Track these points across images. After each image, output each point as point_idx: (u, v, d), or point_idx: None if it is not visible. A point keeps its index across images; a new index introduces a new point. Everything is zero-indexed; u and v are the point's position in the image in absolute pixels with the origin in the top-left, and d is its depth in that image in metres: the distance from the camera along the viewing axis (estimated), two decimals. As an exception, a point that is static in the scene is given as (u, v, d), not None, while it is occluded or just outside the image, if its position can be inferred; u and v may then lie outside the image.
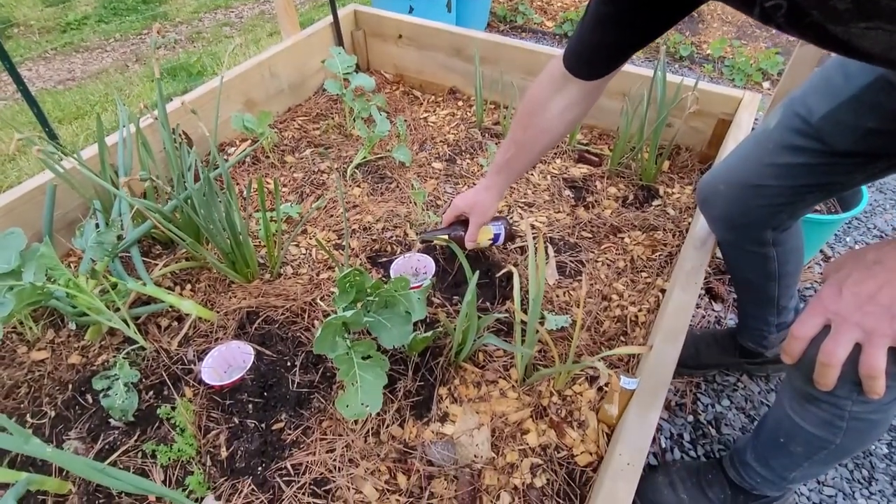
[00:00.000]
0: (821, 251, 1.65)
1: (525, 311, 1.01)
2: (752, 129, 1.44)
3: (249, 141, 1.66)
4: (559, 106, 0.95)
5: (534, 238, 1.10)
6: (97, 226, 1.13)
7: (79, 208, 1.29)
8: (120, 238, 1.12)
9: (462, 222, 1.21)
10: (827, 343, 0.61)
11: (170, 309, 1.17)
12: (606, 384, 1.01)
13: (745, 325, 1.20)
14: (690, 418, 1.23)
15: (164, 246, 1.33)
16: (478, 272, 0.97)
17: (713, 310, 1.48)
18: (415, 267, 1.26)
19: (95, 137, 1.18)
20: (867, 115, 0.75)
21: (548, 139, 1.01)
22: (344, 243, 1.26)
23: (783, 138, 0.85)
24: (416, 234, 1.33)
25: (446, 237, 1.18)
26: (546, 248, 1.32)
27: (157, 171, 1.24)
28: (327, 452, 0.94)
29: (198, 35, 3.16)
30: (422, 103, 1.93)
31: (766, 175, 0.89)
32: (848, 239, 1.71)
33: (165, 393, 1.03)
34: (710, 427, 1.22)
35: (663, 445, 1.18)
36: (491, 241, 1.24)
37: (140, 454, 0.93)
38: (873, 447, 1.19)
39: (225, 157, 1.62)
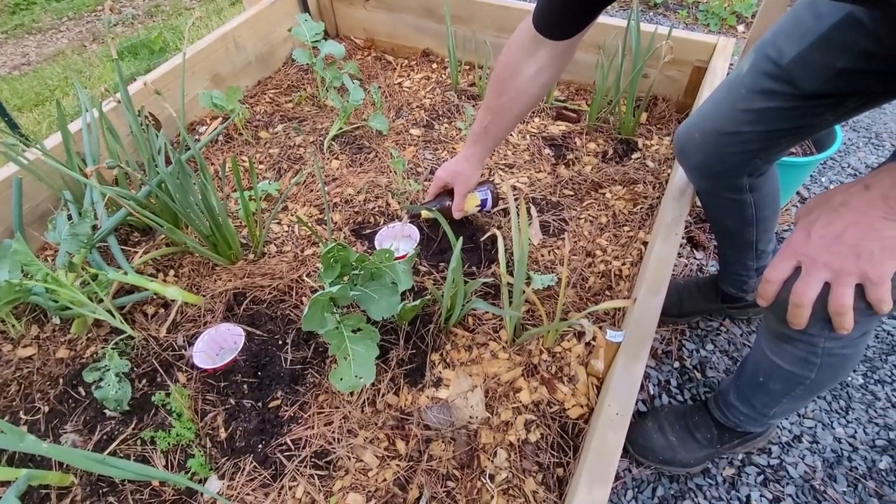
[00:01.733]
0: (797, 193, 1.67)
1: (511, 274, 1.02)
2: (728, 74, 1.43)
3: (220, 119, 1.61)
4: (531, 70, 0.94)
5: (515, 200, 1.10)
6: (70, 217, 1.10)
7: (49, 199, 1.26)
8: (95, 228, 1.10)
9: (447, 193, 1.20)
10: (798, 284, 0.63)
11: (155, 296, 1.16)
12: (594, 338, 1.03)
13: (725, 270, 1.23)
14: (676, 364, 1.27)
15: (143, 232, 1.31)
16: (462, 238, 0.97)
17: (695, 258, 1.51)
18: (400, 236, 1.26)
19: (58, 125, 1.14)
20: (837, 54, 0.75)
21: (523, 104, 1.00)
22: (326, 218, 1.25)
23: (755, 83, 0.85)
24: (402, 209, 1.32)
25: (433, 209, 1.17)
26: (528, 208, 1.32)
27: (127, 157, 1.21)
28: (325, 425, 0.95)
29: (156, 9, 3.02)
30: (395, 68, 1.88)
31: (740, 121, 0.89)
32: (823, 179, 1.74)
33: (158, 380, 1.03)
34: (695, 371, 1.26)
35: (651, 392, 1.22)
36: (479, 208, 1.24)
37: (139, 442, 0.94)
38: (849, 378, 1.24)
39: (196, 136, 1.58)
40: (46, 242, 1.27)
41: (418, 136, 1.56)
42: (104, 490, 0.89)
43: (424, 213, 1.23)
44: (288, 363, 1.02)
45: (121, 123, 1.30)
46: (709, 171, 1.00)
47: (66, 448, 0.75)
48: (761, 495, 1.07)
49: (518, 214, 1.00)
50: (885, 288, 0.59)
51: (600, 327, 1.08)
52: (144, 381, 1.03)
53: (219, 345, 1.09)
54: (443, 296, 1.02)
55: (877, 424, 1.17)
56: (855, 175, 1.74)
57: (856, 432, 1.16)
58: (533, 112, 1.64)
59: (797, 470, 1.10)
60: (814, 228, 0.62)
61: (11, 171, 1.18)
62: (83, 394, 1.01)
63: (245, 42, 1.69)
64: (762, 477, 1.10)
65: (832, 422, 1.17)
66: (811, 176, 1.74)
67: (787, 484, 1.09)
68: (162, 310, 1.15)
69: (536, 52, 0.92)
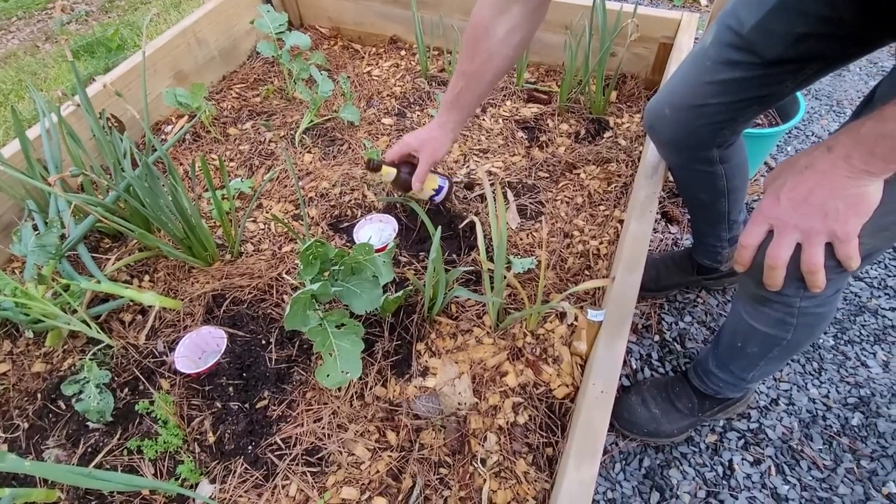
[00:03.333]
0: (765, 163, 1.71)
1: (491, 259, 1.03)
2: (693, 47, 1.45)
3: (186, 117, 1.57)
4: (504, 28, 0.92)
5: (491, 185, 1.10)
6: (35, 228, 1.07)
7: (12, 210, 1.22)
8: (63, 237, 1.07)
9: (409, 164, 1.13)
10: (771, 247, 0.65)
11: (131, 303, 1.13)
12: (576, 319, 1.05)
13: (699, 243, 1.25)
14: (657, 338, 1.30)
15: (114, 238, 1.27)
16: (440, 227, 0.97)
17: (670, 232, 1.53)
18: (378, 228, 1.25)
19: (15, 132, 1.10)
20: (794, 20, 0.77)
21: (496, 67, 0.97)
22: (302, 213, 1.24)
23: (719, 54, 0.87)
24: (366, 162, 1.13)
25: (395, 170, 1.10)
26: (505, 193, 1.32)
27: (91, 161, 1.17)
28: (315, 422, 0.95)
29: (111, 4, 2.91)
30: (363, 57, 1.85)
31: (706, 94, 0.90)
32: (789, 149, 1.78)
33: (141, 388, 1.01)
34: (675, 343, 1.29)
35: (634, 367, 1.25)
36: (435, 192, 1.20)
37: (125, 452, 0.93)
38: (820, 341, 1.29)
39: (162, 137, 1.53)
40: (13, 255, 1.23)
41: (391, 126, 1.55)
42: (93, 502, 0.88)
43: (384, 171, 1.12)
44: (273, 362, 1.02)
45: (82, 127, 1.26)
46: (679, 146, 1.02)
47: (50, 465, 0.74)
48: (743, 459, 1.11)
49: (494, 200, 1.01)
50: (853, 244, 0.62)
51: (581, 307, 1.09)
52: (126, 389, 1.01)
53: (201, 348, 1.07)
54: (424, 286, 1.02)
55: (848, 383, 1.22)
56: (819, 142, 1.79)
57: (829, 392, 1.21)
58: (504, 95, 1.64)
59: (775, 432, 1.15)
60: (782, 192, 0.64)
61: (-31, 182, 1.14)
62: (63, 407, 0.99)
63: (207, 36, 1.64)
64: (743, 441, 1.14)
65: (806, 383, 1.22)
66: (777, 146, 1.78)
67: (767, 446, 1.13)
68: (139, 316, 1.13)
69: (509, 9, 0.90)
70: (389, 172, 1.12)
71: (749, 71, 0.84)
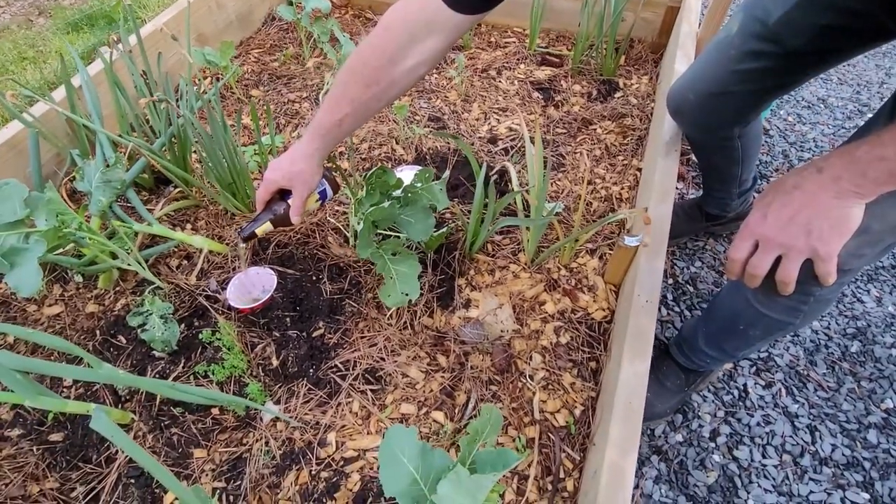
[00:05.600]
0: (761, 126, 1.81)
1: (528, 194, 1.10)
2: (701, 13, 1.54)
3: (210, 78, 1.60)
4: (413, 60, 0.79)
5: (531, 132, 1.17)
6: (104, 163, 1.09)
7: (52, 161, 1.24)
8: (114, 181, 1.10)
9: (279, 197, 0.98)
10: (754, 259, 0.69)
11: (177, 249, 1.17)
12: (629, 228, 1.06)
13: (709, 196, 1.34)
14: (671, 281, 1.39)
15: (150, 191, 1.30)
16: (485, 164, 1.04)
17: (676, 188, 1.62)
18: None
19: (61, 80, 1.12)
20: (821, 12, 0.81)
21: (391, 97, 0.84)
22: (334, 166, 1.28)
23: (744, 44, 0.91)
24: (239, 236, 1.00)
25: (269, 222, 0.97)
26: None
27: (135, 110, 1.20)
28: (370, 347, 1.01)
29: (103, -21, 2.87)
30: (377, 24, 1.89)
31: (731, 82, 0.94)
32: (782, 112, 1.89)
33: (196, 324, 1.06)
34: (688, 286, 1.38)
35: (652, 306, 1.33)
36: (319, 203, 1.03)
37: (192, 377, 0.97)
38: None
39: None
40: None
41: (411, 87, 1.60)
42: (166, 423, 0.92)
43: (260, 232, 0.98)
44: (327, 294, 1.07)
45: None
46: (702, 127, 1.08)
47: (139, 377, 0.78)
48: (756, 383, 1.21)
49: (532, 143, 1.08)
50: (833, 262, 0.64)
51: (612, 240, 1.17)
52: (183, 325, 1.05)
53: (247, 289, 1.11)
54: (469, 222, 1.08)
55: (846, 316, 1.33)
56: (809, 106, 1.90)
57: (829, 325, 1.31)
58: (518, 59, 1.70)
59: (783, 360, 1.25)
60: (770, 210, 0.66)
61: (11, 133, 1.15)
62: (124, 341, 1.03)
63: (225, 1, 1.66)
64: (755, 368, 1.23)
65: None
66: (771, 110, 1.89)
67: (777, 372, 1.23)
68: (185, 261, 1.17)
69: (425, 39, 0.77)
70: (266, 229, 0.99)
71: (773, 61, 0.88)
